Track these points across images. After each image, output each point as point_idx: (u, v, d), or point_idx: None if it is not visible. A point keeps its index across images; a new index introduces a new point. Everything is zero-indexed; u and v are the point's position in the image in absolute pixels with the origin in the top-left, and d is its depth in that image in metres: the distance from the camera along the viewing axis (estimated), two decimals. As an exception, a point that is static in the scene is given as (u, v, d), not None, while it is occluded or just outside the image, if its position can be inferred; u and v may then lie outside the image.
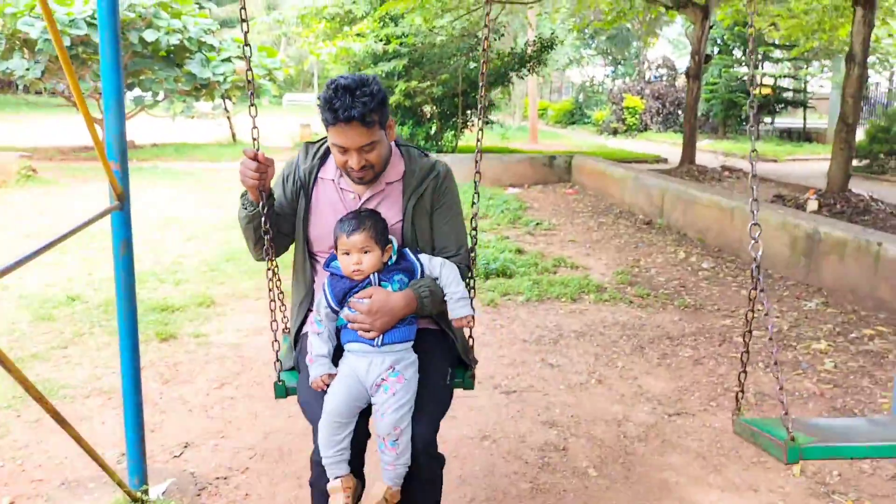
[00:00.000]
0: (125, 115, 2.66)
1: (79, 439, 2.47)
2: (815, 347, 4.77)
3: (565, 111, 33.15)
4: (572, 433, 3.59)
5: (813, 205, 9.08)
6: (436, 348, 2.37)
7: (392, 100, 13.72)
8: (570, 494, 3.07)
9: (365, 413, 2.21)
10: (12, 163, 11.28)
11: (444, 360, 2.38)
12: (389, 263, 2.28)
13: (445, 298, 2.30)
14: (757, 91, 2.48)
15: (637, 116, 26.66)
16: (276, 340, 2.41)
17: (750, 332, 2.44)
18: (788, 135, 24.02)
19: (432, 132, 14.61)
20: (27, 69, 14.25)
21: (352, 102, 2.13)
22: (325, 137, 2.39)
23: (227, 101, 18.00)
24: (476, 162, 2.54)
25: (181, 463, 3.26)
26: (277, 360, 2.42)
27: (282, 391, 2.42)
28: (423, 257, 2.34)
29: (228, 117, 19.29)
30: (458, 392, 3.97)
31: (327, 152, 2.42)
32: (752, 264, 2.39)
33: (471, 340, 2.55)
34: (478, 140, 2.58)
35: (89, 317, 5.06)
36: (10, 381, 3.85)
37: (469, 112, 15.57)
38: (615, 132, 26.71)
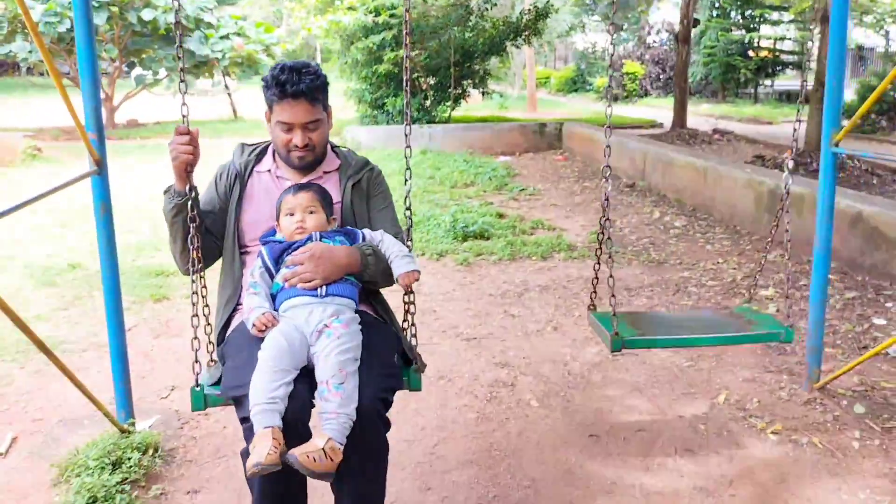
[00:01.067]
0: (100, 90, 3.00)
1: (74, 380, 2.83)
2: (763, 294, 5.10)
3: (567, 79, 33.15)
4: (521, 372, 3.95)
5: (791, 164, 9.31)
6: (378, 331, 2.25)
7: (381, 69, 13.95)
8: (512, 422, 3.43)
9: (307, 378, 2.03)
10: (18, 142, 11.66)
11: (387, 343, 2.26)
12: (331, 231, 2.29)
13: (389, 259, 2.26)
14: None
15: (637, 82, 26.73)
16: (195, 338, 2.29)
17: (602, 233, 2.99)
18: (788, 97, 24.07)
19: (427, 104, 14.86)
20: (29, 51, 14.59)
21: (299, 79, 2.26)
22: (261, 141, 2.57)
23: (226, 77, 18.29)
24: (406, 136, 2.50)
25: (168, 403, 3.64)
26: (197, 361, 2.25)
27: (199, 399, 2.23)
28: (365, 231, 2.36)
29: (229, 94, 19.58)
30: (420, 339, 4.34)
31: (263, 151, 2.51)
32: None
33: (413, 340, 2.44)
34: (406, 107, 2.57)
35: (88, 282, 5.45)
36: (14, 338, 4.26)
37: (465, 83, 15.80)
38: (616, 99, 26.81)
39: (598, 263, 3.02)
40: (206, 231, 2.36)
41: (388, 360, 2.19)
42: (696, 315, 4.02)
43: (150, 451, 3.06)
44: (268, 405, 1.89)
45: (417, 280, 2.29)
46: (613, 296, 2.80)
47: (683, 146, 11.77)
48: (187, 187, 2.28)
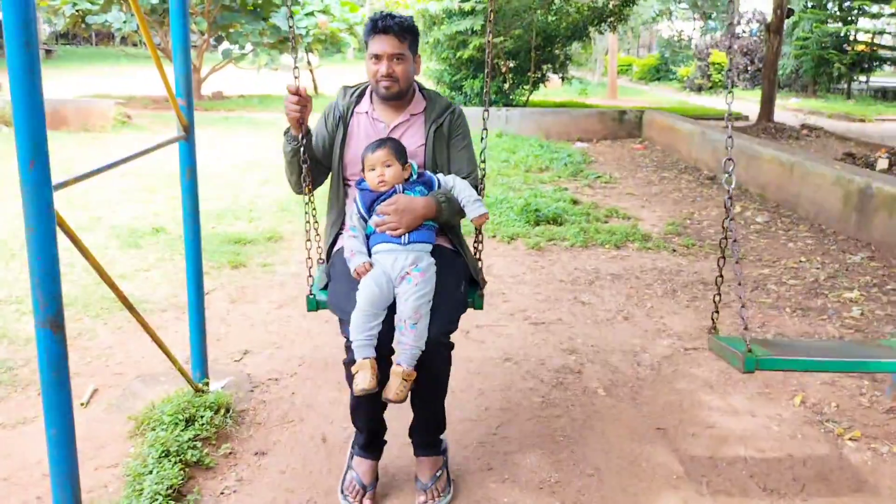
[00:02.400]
0: (191, 59, 3.08)
1: (155, 338, 2.93)
2: (847, 296, 4.89)
3: (650, 67, 32.43)
4: (589, 360, 3.90)
5: (883, 163, 8.91)
6: (450, 263, 2.70)
7: (466, 55, 13.96)
8: (577, 409, 3.40)
9: (389, 317, 2.49)
10: (109, 110, 12.11)
11: (457, 274, 2.70)
12: (410, 180, 2.64)
13: (462, 204, 2.65)
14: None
15: (723, 73, 25.90)
16: (308, 257, 2.82)
17: (724, 256, 2.67)
18: (883, 94, 22.95)
19: (505, 87, 14.75)
20: (124, 22, 15.12)
21: (390, 18, 2.69)
22: (360, 83, 2.90)
23: (309, 53, 18.55)
24: (485, 102, 2.93)
25: (240, 366, 3.74)
26: (310, 275, 2.81)
27: (313, 304, 2.77)
28: (440, 175, 2.73)
29: (311, 70, 19.86)
30: (487, 321, 4.33)
31: (362, 93, 2.87)
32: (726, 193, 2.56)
33: (480, 262, 2.87)
34: (485, 85, 2.95)
35: (171, 246, 5.64)
36: (98, 295, 4.44)
37: (545, 67, 15.63)
38: (699, 89, 26.08)
39: (721, 276, 2.72)
40: (316, 161, 2.78)
41: (456, 293, 2.64)
42: (834, 345, 3.72)
43: (222, 411, 3.15)
44: (365, 341, 2.43)
45: (487, 220, 2.71)
46: (744, 305, 2.49)
47: (769, 140, 11.36)
48: (300, 135, 2.67)
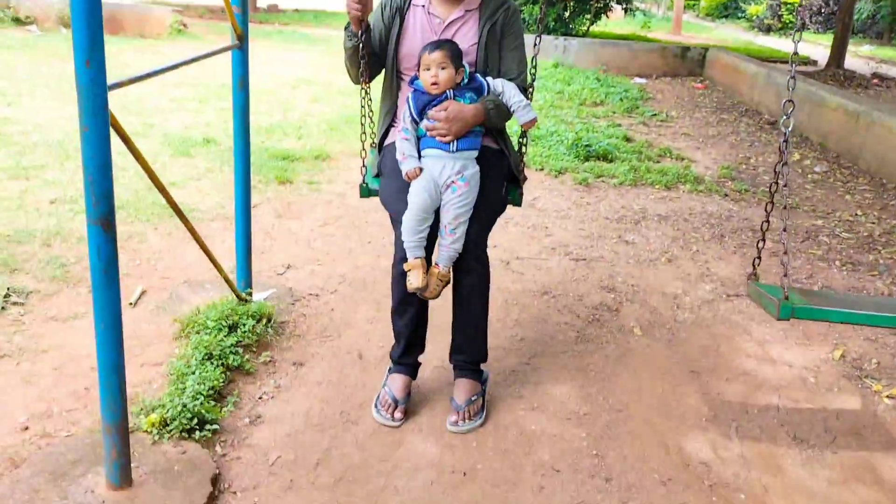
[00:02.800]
0: (248, -33, 3.04)
1: (203, 246, 2.98)
2: (902, 254, 4.76)
3: (718, 3, 31.14)
4: (628, 299, 3.88)
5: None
6: (494, 164, 2.79)
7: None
8: (611, 346, 3.41)
9: (435, 223, 2.66)
10: (166, 17, 12.12)
11: (499, 175, 2.81)
12: (462, 84, 2.67)
13: (511, 109, 2.71)
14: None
15: (794, 14, 24.74)
16: (363, 149, 2.90)
17: (772, 202, 2.60)
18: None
19: (565, 15, 14.32)
20: (183, -73, 14.92)
21: None
22: None
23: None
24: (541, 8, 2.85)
25: (283, 280, 3.82)
26: (364, 165, 2.91)
27: (365, 191, 2.93)
28: (489, 79, 2.74)
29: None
30: (528, 253, 4.33)
31: None
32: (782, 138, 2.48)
33: (523, 162, 2.90)
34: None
35: (221, 157, 5.70)
36: (150, 201, 4.54)
37: (608, -4, 15.09)
38: (769, 30, 25.03)
39: (767, 221, 2.66)
40: (373, 53, 2.79)
41: (496, 196, 2.77)
42: (877, 299, 3.64)
43: (263, 321, 3.23)
44: (417, 242, 2.62)
45: (535, 125, 2.79)
46: (786, 252, 2.46)
47: (836, 87, 10.90)
48: (360, 32, 2.69)
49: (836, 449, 2.77)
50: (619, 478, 2.52)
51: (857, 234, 5.14)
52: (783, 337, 3.61)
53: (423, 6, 2.82)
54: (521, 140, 2.89)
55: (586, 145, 6.57)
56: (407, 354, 2.86)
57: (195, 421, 2.51)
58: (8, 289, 3.36)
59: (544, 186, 5.70)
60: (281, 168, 5.56)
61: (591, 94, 9.62)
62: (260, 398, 2.81)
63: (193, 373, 2.75)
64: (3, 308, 3.23)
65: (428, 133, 2.67)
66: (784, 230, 2.48)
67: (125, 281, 3.52)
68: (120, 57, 9.65)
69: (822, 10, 25.06)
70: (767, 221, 2.68)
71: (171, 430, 2.47)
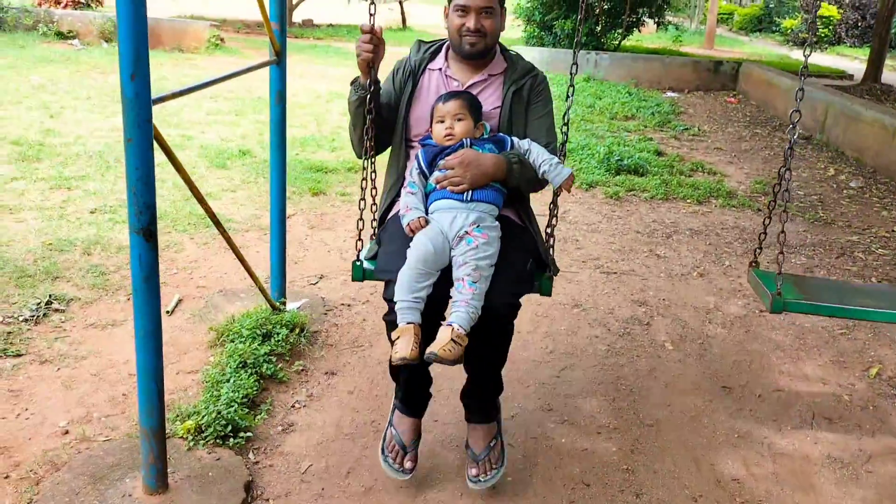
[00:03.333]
0: (286, -17, 3.11)
1: (239, 255, 3.04)
2: (939, 271, 4.68)
3: (752, 17, 30.85)
4: (659, 313, 3.87)
5: None
6: (518, 238, 2.39)
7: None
8: (642, 360, 3.40)
9: (444, 280, 2.20)
10: (203, 31, 12.36)
11: (525, 249, 2.40)
12: (481, 138, 2.39)
13: (541, 170, 2.35)
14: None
15: (830, 28, 24.46)
16: (360, 219, 2.43)
17: (779, 184, 2.62)
18: None
19: (597, 29, 14.32)
20: (221, -57, 15.22)
21: None
22: (436, 39, 2.66)
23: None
24: (574, 53, 2.44)
25: (315, 289, 3.87)
26: (359, 239, 2.45)
27: (359, 271, 2.41)
28: (514, 138, 2.43)
29: (401, 2, 19.70)
30: (559, 266, 4.33)
31: (438, 49, 2.61)
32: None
33: (552, 247, 2.50)
34: (577, 30, 2.55)
35: (256, 168, 5.79)
36: (187, 212, 4.63)
37: (640, 10, 15.06)
38: (803, 43, 24.74)
39: (769, 217, 2.73)
40: (382, 121, 2.46)
41: (522, 268, 2.32)
42: (873, 288, 3.69)
43: (297, 330, 3.28)
44: (412, 303, 2.13)
45: (573, 183, 2.43)
46: (782, 252, 2.52)
47: (872, 102, 10.75)
48: (368, 82, 2.36)
49: (872, 469, 2.73)
50: (649, 493, 2.51)
51: (893, 250, 5.06)
52: (817, 354, 3.57)
53: (441, 69, 2.55)
54: (549, 227, 2.47)
55: (618, 159, 6.56)
56: (412, 397, 2.51)
57: (229, 428, 2.56)
58: (50, 296, 3.45)
59: (575, 199, 5.70)
60: (314, 180, 5.64)
61: (622, 108, 9.61)
62: (293, 406, 2.85)
63: (228, 380, 2.80)
64: (45, 315, 3.32)
65: (438, 185, 2.31)
66: (782, 231, 2.57)
67: (162, 289, 3.58)
68: (158, 70, 9.86)
69: (859, 25, 24.72)
70: (769, 218, 2.74)
71: (206, 437, 2.52)
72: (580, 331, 3.62)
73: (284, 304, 3.49)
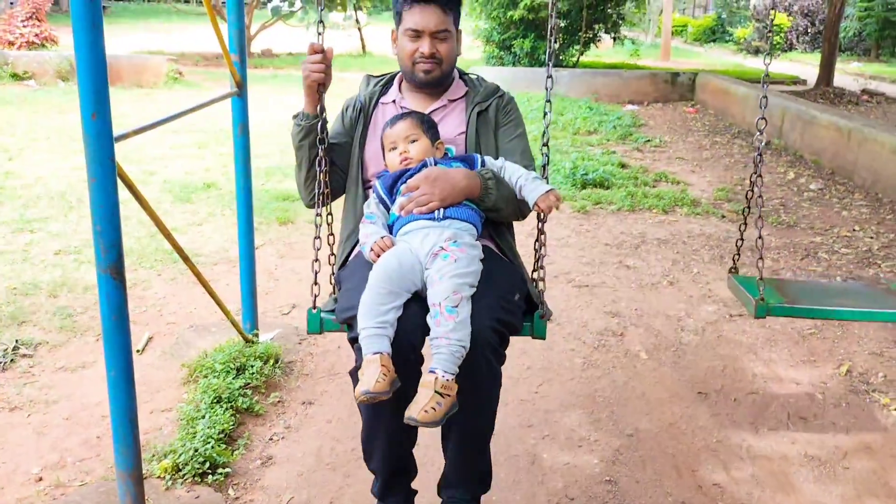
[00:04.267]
0: (245, 16, 3.12)
1: (209, 289, 3.02)
2: (901, 267, 4.79)
3: (705, 28, 31.49)
4: (632, 323, 3.90)
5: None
6: (502, 267, 2.10)
7: (516, 15, 13.76)
8: (618, 371, 3.42)
9: (418, 311, 1.89)
10: (161, 66, 12.30)
11: (511, 278, 2.10)
12: (446, 157, 2.15)
13: (517, 187, 2.09)
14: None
15: (782, 35, 25.06)
16: (316, 260, 2.17)
17: (752, 191, 2.69)
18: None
19: (555, 47, 14.51)
20: (177, -22, 15.19)
21: None
22: (387, 72, 2.44)
23: (357, 11, 18.47)
24: (548, 65, 2.18)
25: (288, 319, 3.84)
26: (316, 283, 2.16)
27: (315, 322, 2.15)
28: (486, 157, 2.19)
29: (359, 28, 19.80)
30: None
31: (389, 82, 2.39)
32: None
33: (542, 290, 2.15)
34: (549, 47, 2.14)
35: (221, 201, 5.76)
36: (153, 248, 4.58)
37: (596, 27, 15.31)
38: (756, 51, 25.27)
39: (745, 223, 2.82)
40: (331, 163, 2.19)
41: (508, 296, 2.00)
42: (848, 287, 3.76)
43: (271, 362, 3.25)
44: (377, 329, 1.80)
45: (559, 201, 2.04)
46: (761, 258, 2.59)
47: (827, 105, 11.02)
48: (318, 108, 2.14)
49: (848, 465, 2.77)
50: (632, 502, 2.52)
51: (855, 249, 5.17)
52: (789, 355, 3.62)
53: (395, 101, 2.32)
54: (537, 254, 2.14)
55: (583, 173, 6.64)
56: (391, 488, 2.15)
57: (207, 465, 2.52)
58: (17, 341, 3.38)
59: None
60: (282, 209, 5.61)
61: (584, 123, 9.73)
62: (270, 439, 2.81)
63: (203, 417, 2.76)
64: (12, 361, 3.25)
65: (402, 211, 2.03)
66: (759, 237, 2.61)
67: (131, 328, 3.53)
68: (119, 107, 9.77)
69: (808, 30, 25.38)
70: (745, 224, 2.82)
71: (183, 475, 2.48)
72: (556, 346, 3.64)
73: (257, 335, 3.46)
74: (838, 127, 7.57)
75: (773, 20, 2.80)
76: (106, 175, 1.91)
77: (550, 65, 2.19)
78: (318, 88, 2.13)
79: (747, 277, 2.77)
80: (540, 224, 2.12)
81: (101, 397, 2.96)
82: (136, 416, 2.15)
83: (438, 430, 1.99)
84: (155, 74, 12.11)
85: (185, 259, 2.74)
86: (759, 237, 2.62)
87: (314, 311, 2.14)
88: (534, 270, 2.18)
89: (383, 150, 2.19)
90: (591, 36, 15.18)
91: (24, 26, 13.86)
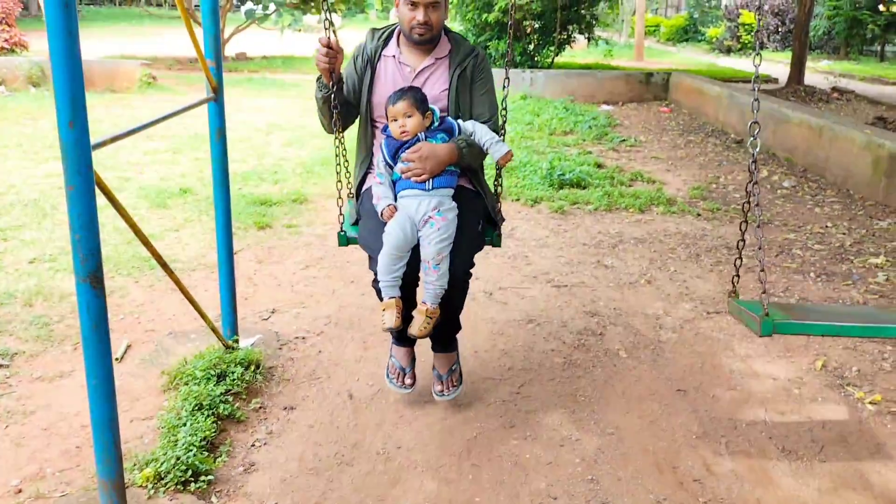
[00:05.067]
0: (220, 20, 3.11)
1: (188, 296, 3.00)
2: (872, 262, 4.87)
3: (678, 28, 31.80)
4: (611, 322, 3.94)
5: (915, 128, 8.73)
6: (471, 203, 2.87)
7: (491, 17, 13.82)
8: (598, 370, 3.45)
9: (414, 257, 2.71)
10: (135, 71, 12.17)
11: (476, 214, 2.88)
12: (432, 127, 2.77)
13: (484, 147, 2.81)
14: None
15: (753, 34, 25.33)
16: (339, 197, 2.95)
17: (746, 221, 2.68)
18: (921, 57, 22.37)
19: (530, 48, 14.58)
20: (148, -18, 15.05)
21: None
22: (388, 25, 3.02)
23: (331, 14, 18.41)
24: (508, 53, 3.13)
25: (268, 324, 3.83)
26: (340, 213, 2.95)
27: (343, 240, 2.97)
28: (460, 121, 2.84)
29: (333, 30, 19.72)
30: (510, 283, 4.38)
31: (389, 36, 2.97)
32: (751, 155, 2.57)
33: (499, 203, 3.01)
34: (509, 45, 2.98)
35: (198, 207, 5.72)
36: (130, 254, 4.54)
37: (570, 27, 15.40)
38: (728, 51, 25.58)
39: (743, 240, 2.78)
40: (346, 104, 2.88)
41: (475, 230, 2.81)
42: (854, 309, 3.78)
43: (252, 368, 3.24)
44: (391, 281, 2.68)
45: (511, 159, 2.84)
46: (763, 270, 2.57)
47: (798, 103, 11.17)
48: (331, 83, 2.75)
49: (825, 458, 2.82)
50: (615, 501, 2.55)
51: (828, 245, 5.25)
52: (765, 351, 3.67)
53: (394, 56, 2.92)
54: (496, 182, 2.98)
55: (560, 174, 6.68)
56: (402, 335, 2.95)
57: (189, 473, 2.51)
58: (-8, 351, 3.34)
59: (521, 216, 5.77)
60: (259, 213, 5.59)
61: (560, 124, 9.78)
62: (253, 445, 2.80)
63: (185, 424, 2.74)
64: (-12, 371, 3.21)
65: (403, 175, 2.74)
66: (760, 248, 2.56)
67: (110, 336, 3.51)
68: (92, 112, 9.57)
69: (779, 29, 25.70)
70: (743, 240, 2.77)
71: (166, 484, 2.47)
72: (536, 346, 3.66)
73: (237, 341, 3.45)
74: (810, 125, 7.69)
75: (761, 22, 2.80)
76: (84, 183, 1.90)
77: (511, 48, 3.13)
78: (329, 72, 2.73)
79: (750, 301, 2.74)
80: (499, 170, 2.95)
81: (79, 407, 2.94)
82: (117, 424, 2.13)
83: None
84: (128, 79, 11.99)
85: (164, 265, 2.73)
86: (761, 247, 2.57)
87: (342, 233, 2.96)
88: (496, 192, 3.00)
89: (386, 114, 2.76)
90: (565, 37, 15.26)
91: (-8, 31, 13.66)
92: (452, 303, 2.84)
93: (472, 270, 2.83)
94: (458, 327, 3.06)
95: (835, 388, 3.34)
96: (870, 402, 3.20)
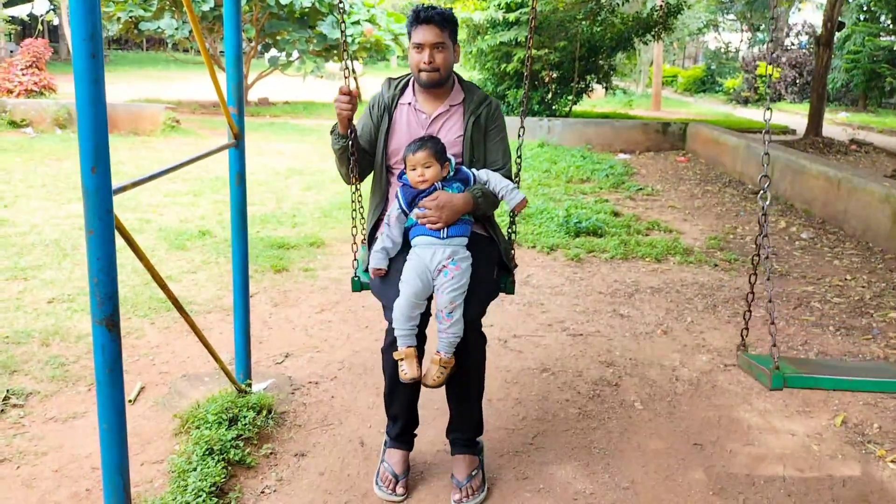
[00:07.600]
0: (243, 68, 3.18)
1: (202, 338, 3.00)
2: (892, 316, 4.80)
3: (695, 79, 32.12)
4: (627, 373, 3.90)
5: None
6: (484, 250, 2.88)
7: (510, 67, 14.02)
8: (614, 421, 3.40)
9: (427, 309, 2.73)
10: (159, 114, 12.42)
11: (490, 261, 2.90)
12: (448, 177, 2.80)
13: (499, 195, 2.84)
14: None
15: (771, 86, 25.51)
16: (354, 243, 3.05)
17: (755, 273, 2.67)
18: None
19: (548, 97, 14.75)
20: (176, 28, 15.48)
21: (431, 9, 2.86)
22: (404, 74, 3.05)
23: (354, 61, 18.74)
24: (523, 102, 3.19)
25: (281, 368, 3.82)
26: (355, 259, 3.03)
27: (357, 285, 3.02)
28: (474, 170, 2.88)
29: (355, 78, 20.09)
30: (525, 331, 4.36)
31: (406, 84, 3.02)
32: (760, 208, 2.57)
33: (513, 249, 3.05)
34: (525, 94, 3.02)
35: (216, 249, 5.77)
36: (146, 295, 4.57)
37: (588, 77, 15.59)
38: (746, 102, 25.75)
39: (752, 292, 2.77)
40: (363, 151, 2.94)
41: (489, 277, 2.85)
42: (869, 364, 3.72)
43: (264, 412, 3.22)
44: (409, 330, 2.65)
45: (526, 206, 2.88)
46: (773, 322, 2.53)
47: (816, 155, 11.17)
48: (349, 131, 2.84)
49: (846, 518, 2.75)
50: (629, 558, 2.49)
51: (848, 298, 5.20)
52: (784, 405, 3.61)
53: (410, 103, 2.96)
54: (510, 229, 3.03)
55: (576, 221, 6.69)
56: (403, 433, 2.91)
57: (198, 519, 2.48)
58: (7, 391, 3.35)
59: (537, 263, 5.77)
60: (276, 257, 5.63)
61: (577, 172, 9.83)
62: (262, 492, 2.78)
63: (195, 469, 2.73)
64: (2, 411, 3.22)
65: (419, 221, 2.75)
66: (770, 301, 2.54)
67: (124, 377, 3.52)
68: (115, 154, 9.83)
69: (797, 81, 25.86)
70: (752, 293, 2.75)
71: (174, 530, 2.44)
72: (550, 395, 3.62)
73: (250, 385, 3.44)
74: (828, 176, 7.67)
75: (771, 74, 2.83)
76: (104, 228, 1.93)
77: (527, 97, 3.19)
78: (349, 119, 2.82)
79: (761, 355, 2.71)
80: (512, 217, 3.03)
81: (91, 449, 2.93)
82: (127, 468, 2.13)
83: (443, 390, 2.83)
84: (152, 122, 12.23)
85: (179, 308, 2.74)
86: (770, 300, 2.55)
87: (356, 279, 3.02)
88: (509, 239, 3.05)
89: (404, 162, 2.80)
90: (583, 86, 15.45)
91: (23, 74, 14.02)
92: (467, 363, 2.72)
93: (483, 320, 2.79)
94: (480, 425, 2.93)
95: (855, 444, 3.27)
96: (891, 461, 3.12)
